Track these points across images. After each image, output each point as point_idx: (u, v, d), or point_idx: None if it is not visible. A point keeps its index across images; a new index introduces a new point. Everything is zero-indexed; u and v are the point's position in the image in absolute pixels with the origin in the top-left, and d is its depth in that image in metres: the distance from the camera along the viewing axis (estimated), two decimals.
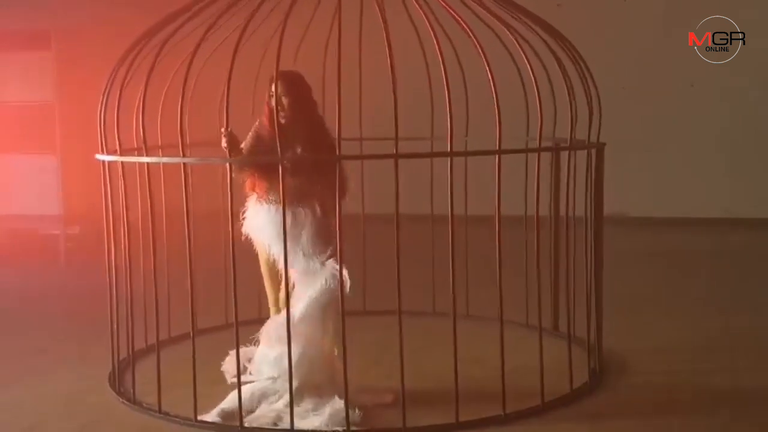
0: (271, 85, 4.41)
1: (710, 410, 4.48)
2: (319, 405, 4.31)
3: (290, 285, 4.42)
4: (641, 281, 7.56)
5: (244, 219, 4.60)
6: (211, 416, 4.30)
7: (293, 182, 4.31)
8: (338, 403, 4.26)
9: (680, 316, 6.33)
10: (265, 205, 4.50)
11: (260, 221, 4.52)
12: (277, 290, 4.75)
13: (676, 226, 10.02)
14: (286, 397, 4.23)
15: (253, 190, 4.58)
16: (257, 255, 4.78)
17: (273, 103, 4.39)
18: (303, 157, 4.41)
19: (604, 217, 5.15)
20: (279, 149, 4.07)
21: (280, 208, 4.17)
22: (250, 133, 4.58)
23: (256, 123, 4.58)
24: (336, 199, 4.14)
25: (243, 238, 4.58)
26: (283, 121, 4.32)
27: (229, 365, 4.74)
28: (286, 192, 4.14)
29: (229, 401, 4.37)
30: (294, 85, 4.40)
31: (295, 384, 4.22)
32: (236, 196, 4.32)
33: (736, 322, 6.18)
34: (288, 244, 4.18)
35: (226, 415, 4.30)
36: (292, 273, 4.44)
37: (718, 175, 10.26)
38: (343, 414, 4.16)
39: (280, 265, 4.44)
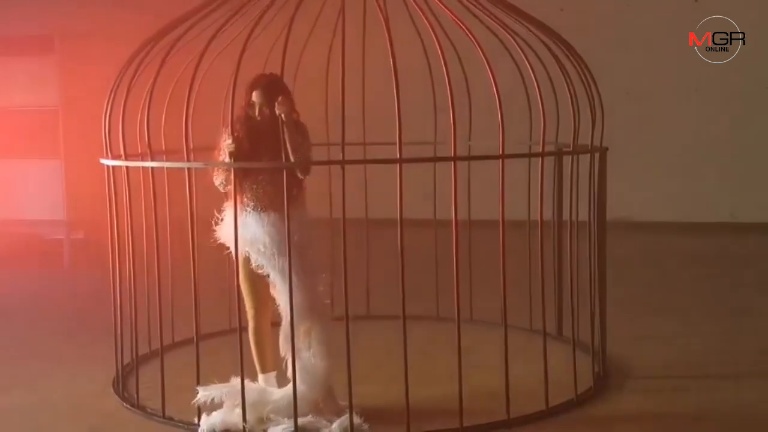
0: (252, 91, 4.30)
1: (715, 417, 4.47)
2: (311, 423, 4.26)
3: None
4: (645, 286, 7.54)
5: (218, 227, 4.43)
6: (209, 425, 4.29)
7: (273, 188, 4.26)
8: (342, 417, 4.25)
9: (685, 321, 6.32)
10: (253, 214, 4.30)
11: (251, 230, 4.31)
12: (263, 299, 4.46)
13: (680, 230, 9.99)
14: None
15: (235, 196, 4.31)
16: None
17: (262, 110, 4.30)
18: (308, 161, 4.36)
19: (608, 221, 5.14)
20: (260, 153, 4.14)
21: (272, 215, 4.22)
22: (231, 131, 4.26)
23: (225, 135, 4.30)
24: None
25: (217, 244, 4.44)
26: (259, 118, 4.30)
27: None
28: (268, 197, 4.24)
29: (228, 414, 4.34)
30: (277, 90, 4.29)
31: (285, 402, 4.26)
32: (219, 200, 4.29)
33: (741, 327, 6.16)
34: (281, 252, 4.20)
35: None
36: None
37: (722, 179, 10.24)
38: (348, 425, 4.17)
39: (268, 273, 4.33)
